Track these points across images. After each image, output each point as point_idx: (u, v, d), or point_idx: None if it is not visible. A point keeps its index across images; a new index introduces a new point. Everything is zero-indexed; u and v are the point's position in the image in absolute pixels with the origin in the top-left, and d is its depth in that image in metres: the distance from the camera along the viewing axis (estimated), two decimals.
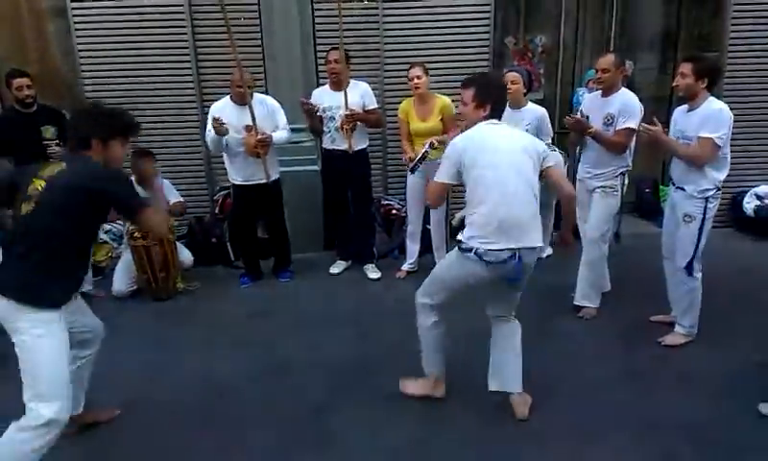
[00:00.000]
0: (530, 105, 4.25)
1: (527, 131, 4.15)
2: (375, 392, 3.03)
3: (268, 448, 2.68)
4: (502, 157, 2.55)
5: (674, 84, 3.31)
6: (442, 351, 2.89)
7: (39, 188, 2.18)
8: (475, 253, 2.52)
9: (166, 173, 4.85)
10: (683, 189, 3.33)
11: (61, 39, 5.18)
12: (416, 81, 4.23)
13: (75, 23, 4.96)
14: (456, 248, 2.67)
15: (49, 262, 2.19)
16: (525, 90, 4.20)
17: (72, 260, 2.30)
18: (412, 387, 2.97)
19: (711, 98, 3.22)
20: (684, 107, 3.35)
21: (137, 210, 2.30)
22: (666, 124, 3.50)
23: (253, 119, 4.10)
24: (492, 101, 2.66)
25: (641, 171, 4.86)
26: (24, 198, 2.20)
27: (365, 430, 2.75)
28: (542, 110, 4.26)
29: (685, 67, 3.20)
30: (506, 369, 2.81)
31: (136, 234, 4.28)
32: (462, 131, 2.81)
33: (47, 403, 2.12)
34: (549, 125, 4.27)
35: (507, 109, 4.25)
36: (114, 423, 2.85)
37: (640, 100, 3.68)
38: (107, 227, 4.43)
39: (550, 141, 4.29)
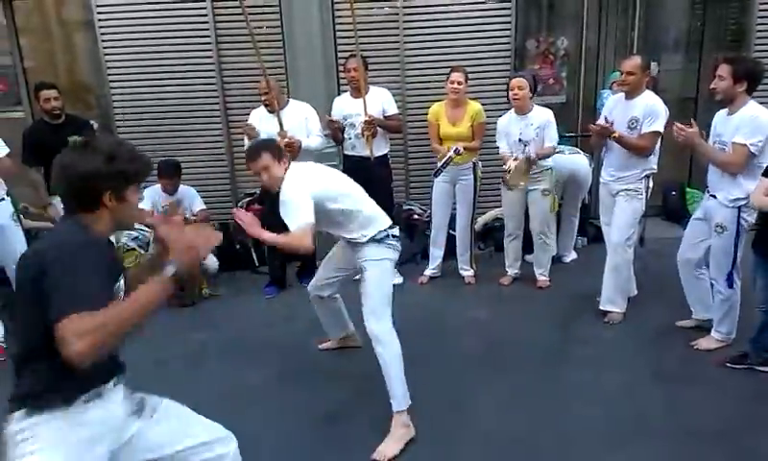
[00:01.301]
0: (536, 108, 4.19)
1: (536, 135, 4.12)
2: None
3: (283, 454, 2.69)
4: None
5: (711, 86, 3.16)
6: None
7: None
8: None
9: (191, 180, 4.93)
10: (715, 197, 3.22)
11: (89, 51, 5.31)
12: (455, 85, 4.22)
13: (102, 35, 5.07)
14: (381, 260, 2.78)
15: None
16: (531, 95, 4.16)
17: None
18: (391, 449, 2.63)
19: (751, 102, 3.07)
20: (725, 111, 3.20)
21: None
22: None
23: (281, 125, 4.16)
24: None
25: (667, 174, 4.78)
26: None
27: (381, 438, 2.71)
28: (549, 113, 4.18)
29: (723, 69, 3.06)
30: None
31: None
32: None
33: None
34: (555, 129, 4.18)
35: (513, 115, 4.25)
36: None
37: (664, 101, 3.62)
38: (133, 233, 4.48)
39: (555, 145, 4.21)
